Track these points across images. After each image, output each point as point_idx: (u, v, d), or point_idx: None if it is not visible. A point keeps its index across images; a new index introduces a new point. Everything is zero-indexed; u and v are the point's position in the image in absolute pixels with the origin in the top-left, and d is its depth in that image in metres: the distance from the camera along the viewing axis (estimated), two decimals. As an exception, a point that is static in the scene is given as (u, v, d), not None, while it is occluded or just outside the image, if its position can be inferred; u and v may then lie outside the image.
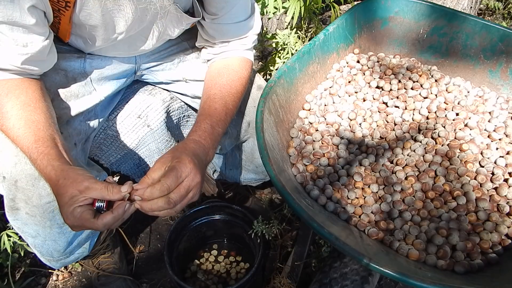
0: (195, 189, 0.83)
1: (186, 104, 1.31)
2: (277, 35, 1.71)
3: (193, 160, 0.83)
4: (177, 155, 0.83)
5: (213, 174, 1.55)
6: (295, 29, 1.76)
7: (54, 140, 0.84)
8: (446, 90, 1.24)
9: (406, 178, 1.03)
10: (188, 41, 1.22)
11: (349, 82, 1.28)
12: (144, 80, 1.25)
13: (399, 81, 1.26)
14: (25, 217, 0.96)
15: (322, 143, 1.12)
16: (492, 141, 1.10)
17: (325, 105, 1.21)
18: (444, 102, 1.20)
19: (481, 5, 2.75)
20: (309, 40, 1.54)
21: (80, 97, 1.03)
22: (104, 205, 0.77)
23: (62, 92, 1.00)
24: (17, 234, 1.29)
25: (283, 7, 1.65)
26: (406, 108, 1.21)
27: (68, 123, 1.01)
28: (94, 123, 1.09)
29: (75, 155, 1.03)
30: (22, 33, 0.80)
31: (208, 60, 1.16)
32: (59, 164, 0.80)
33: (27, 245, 1.11)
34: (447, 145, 1.09)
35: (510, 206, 0.98)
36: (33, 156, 0.81)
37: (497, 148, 1.08)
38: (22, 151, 0.85)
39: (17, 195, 0.93)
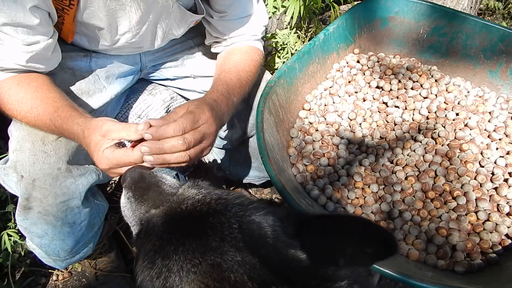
0: (209, 139, 0.81)
1: None
2: (276, 34, 1.71)
3: (211, 110, 0.82)
4: (195, 103, 0.82)
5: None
6: (294, 29, 1.76)
7: (73, 106, 0.86)
8: (446, 90, 1.24)
9: (406, 178, 1.03)
10: (193, 39, 1.22)
11: (349, 82, 1.28)
12: (150, 78, 1.25)
13: (399, 81, 1.26)
14: (36, 216, 0.96)
15: (322, 143, 1.12)
16: (492, 141, 1.10)
17: (325, 105, 1.21)
18: (444, 102, 1.20)
19: (481, 5, 2.75)
20: (309, 40, 1.54)
21: (92, 95, 1.03)
22: (130, 146, 0.76)
23: (73, 90, 1.01)
24: (18, 233, 1.29)
25: (283, 7, 1.65)
26: (406, 108, 1.21)
27: None
28: None
29: (86, 155, 1.03)
30: (26, 34, 0.81)
31: (218, 53, 1.17)
32: (83, 120, 0.81)
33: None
34: (447, 145, 1.09)
35: (510, 206, 0.98)
36: (58, 124, 0.83)
37: (497, 148, 1.08)
38: (46, 127, 0.85)
39: (32, 194, 0.93)
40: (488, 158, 1.06)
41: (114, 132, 0.75)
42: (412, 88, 1.24)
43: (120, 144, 0.77)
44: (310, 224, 0.48)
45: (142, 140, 0.75)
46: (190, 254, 0.46)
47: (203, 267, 0.44)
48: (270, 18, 1.82)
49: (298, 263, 0.44)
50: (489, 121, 1.15)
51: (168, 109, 1.24)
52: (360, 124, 1.18)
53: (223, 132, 1.27)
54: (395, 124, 1.18)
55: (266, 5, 1.60)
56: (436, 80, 1.27)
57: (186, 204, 0.54)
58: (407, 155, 1.09)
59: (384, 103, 1.24)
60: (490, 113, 1.17)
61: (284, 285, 0.41)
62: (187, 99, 1.31)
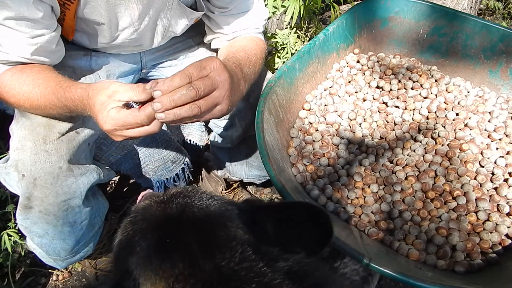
0: (222, 90, 0.75)
1: None
2: (276, 34, 1.71)
3: (220, 61, 0.76)
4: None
5: (217, 171, 1.55)
6: (294, 29, 1.77)
7: (73, 80, 0.86)
8: (446, 90, 1.24)
9: (406, 178, 1.03)
10: (193, 38, 1.22)
11: (349, 82, 1.28)
12: (150, 78, 1.25)
13: (399, 81, 1.26)
14: (37, 215, 0.97)
15: (322, 143, 1.12)
16: (492, 141, 1.10)
17: (325, 105, 1.21)
18: (444, 102, 1.20)
19: (481, 5, 2.75)
20: (309, 40, 1.54)
21: None
22: (138, 108, 0.73)
23: None
24: (18, 233, 1.29)
25: (283, 7, 1.65)
26: (406, 108, 1.21)
27: (83, 122, 1.01)
28: None
29: (86, 155, 1.03)
30: (30, 27, 0.81)
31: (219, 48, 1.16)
32: (87, 84, 0.81)
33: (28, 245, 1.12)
34: (447, 145, 1.09)
35: (510, 206, 0.98)
36: (60, 94, 0.82)
37: (497, 148, 1.08)
38: (50, 104, 0.85)
39: (33, 193, 0.93)
40: (488, 158, 1.06)
41: (121, 92, 0.73)
42: (412, 88, 1.24)
43: (127, 106, 0.74)
44: (263, 212, 0.59)
45: (149, 101, 0.73)
46: (153, 221, 0.58)
47: (160, 230, 0.56)
48: (270, 18, 1.82)
49: (243, 241, 0.54)
50: (489, 121, 1.15)
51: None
52: (360, 124, 1.18)
53: (223, 131, 1.27)
54: (395, 124, 1.18)
55: (266, 5, 1.60)
56: (436, 80, 1.27)
57: (167, 194, 0.65)
58: (407, 155, 1.09)
59: (384, 103, 1.24)
60: (490, 113, 1.17)
61: (225, 254, 0.50)
62: None
